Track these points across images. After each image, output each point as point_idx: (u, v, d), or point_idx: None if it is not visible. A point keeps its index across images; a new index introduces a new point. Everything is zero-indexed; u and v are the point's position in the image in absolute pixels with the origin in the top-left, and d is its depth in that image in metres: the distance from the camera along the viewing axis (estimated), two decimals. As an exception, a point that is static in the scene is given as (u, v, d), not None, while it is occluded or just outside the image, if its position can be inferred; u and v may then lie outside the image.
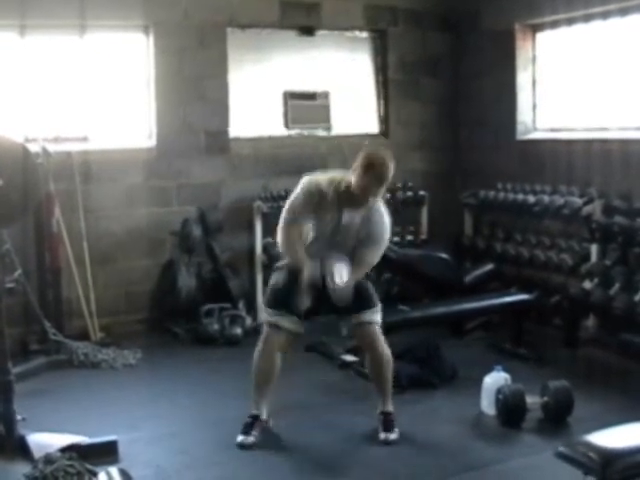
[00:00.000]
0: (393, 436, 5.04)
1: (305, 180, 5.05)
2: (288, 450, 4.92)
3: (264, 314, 5.18)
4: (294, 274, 5.00)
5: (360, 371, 6.07)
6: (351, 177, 4.91)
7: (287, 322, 4.99)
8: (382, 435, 5.06)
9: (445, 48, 8.81)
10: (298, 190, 5.03)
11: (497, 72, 8.19)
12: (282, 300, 5.01)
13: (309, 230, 5.08)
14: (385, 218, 5.08)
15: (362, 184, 4.83)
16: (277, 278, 5.15)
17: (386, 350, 5.13)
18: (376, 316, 5.11)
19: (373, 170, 4.81)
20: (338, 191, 4.95)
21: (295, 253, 5.01)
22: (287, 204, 5.09)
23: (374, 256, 5.11)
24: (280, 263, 5.24)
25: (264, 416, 5.08)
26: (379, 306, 5.15)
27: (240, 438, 4.96)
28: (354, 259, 5.05)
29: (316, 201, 4.95)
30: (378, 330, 5.11)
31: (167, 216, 7.73)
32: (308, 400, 5.70)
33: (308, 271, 4.92)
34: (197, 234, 7.64)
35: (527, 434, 5.14)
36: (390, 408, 5.18)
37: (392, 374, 5.21)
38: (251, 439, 4.95)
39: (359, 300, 5.03)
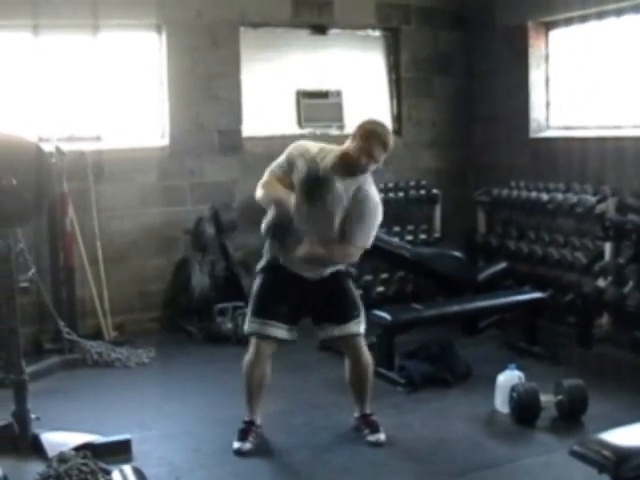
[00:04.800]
0: (383, 436, 4.94)
1: (293, 145, 4.81)
2: (299, 448, 4.91)
3: (251, 324, 4.84)
4: (275, 273, 4.83)
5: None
6: (345, 147, 4.68)
7: (276, 331, 4.78)
8: (372, 437, 4.93)
9: (458, 46, 8.80)
10: (284, 154, 4.78)
11: (510, 70, 8.17)
12: (268, 308, 4.79)
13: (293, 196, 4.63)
14: (376, 199, 4.76)
15: (364, 147, 4.55)
16: (259, 283, 4.92)
17: (368, 357, 4.96)
18: (360, 327, 4.89)
19: (376, 136, 4.59)
20: (329, 158, 4.68)
21: (272, 188, 4.64)
22: (271, 165, 4.80)
23: (365, 238, 4.72)
24: (260, 265, 4.98)
25: (259, 421, 4.97)
26: (362, 314, 4.93)
27: (237, 445, 4.84)
28: (343, 237, 4.72)
29: (301, 164, 4.67)
30: (362, 341, 4.92)
31: (180, 215, 7.74)
32: (318, 399, 5.69)
33: (282, 199, 4.55)
34: (210, 233, 7.64)
35: (541, 432, 5.13)
36: (369, 410, 5.07)
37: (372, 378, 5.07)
38: (248, 445, 4.84)
39: (341, 309, 4.85)
